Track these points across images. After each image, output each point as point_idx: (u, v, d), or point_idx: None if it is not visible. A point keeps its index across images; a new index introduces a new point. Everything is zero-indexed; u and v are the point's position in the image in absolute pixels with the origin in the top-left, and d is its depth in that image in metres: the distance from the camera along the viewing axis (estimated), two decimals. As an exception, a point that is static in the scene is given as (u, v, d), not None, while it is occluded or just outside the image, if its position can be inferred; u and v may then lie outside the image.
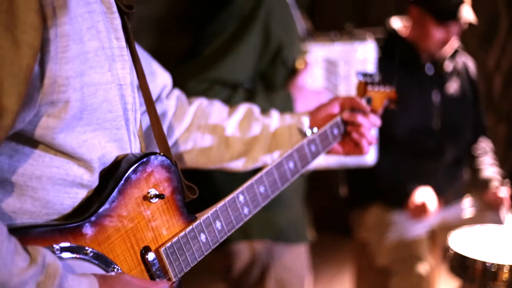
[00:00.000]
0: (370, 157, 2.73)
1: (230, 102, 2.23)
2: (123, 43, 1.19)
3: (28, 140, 1.07)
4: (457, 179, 3.12)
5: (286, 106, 2.36)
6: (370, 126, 1.68)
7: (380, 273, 3.01)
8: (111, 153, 1.17)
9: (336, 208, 3.65)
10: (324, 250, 4.31)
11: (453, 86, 3.09)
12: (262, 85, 2.38)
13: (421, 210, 2.86)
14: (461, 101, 3.11)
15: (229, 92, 2.25)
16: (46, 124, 1.05)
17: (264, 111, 2.30)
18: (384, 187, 3.00)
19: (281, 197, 2.40)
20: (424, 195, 2.90)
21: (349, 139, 1.68)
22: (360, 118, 1.65)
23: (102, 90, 1.10)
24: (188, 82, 2.21)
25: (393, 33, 3.06)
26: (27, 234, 1.03)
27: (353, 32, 2.69)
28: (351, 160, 2.71)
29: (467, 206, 3.12)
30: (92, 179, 1.14)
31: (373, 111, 1.78)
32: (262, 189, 1.41)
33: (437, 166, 3.05)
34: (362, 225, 3.08)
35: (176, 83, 2.27)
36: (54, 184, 1.09)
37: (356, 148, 1.68)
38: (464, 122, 3.13)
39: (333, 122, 1.62)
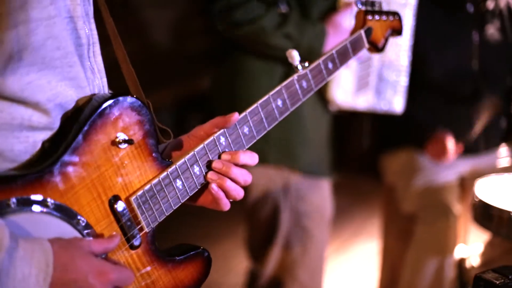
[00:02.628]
0: (398, 105, 2.64)
1: (262, 21, 2.20)
2: None
3: None
4: (493, 127, 2.96)
5: (317, 40, 2.28)
6: (242, 180, 1.26)
7: (407, 219, 2.95)
8: (66, 93, 1.08)
9: (370, 150, 3.58)
10: (358, 194, 4.25)
11: (494, 26, 2.92)
12: (297, 11, 2.30)
13: (441, 153, 2.75)
14: (502, 42, 2.93)
15: (262, 11, 2.20)
16: None
17: (292, 38, 2.25)
18: (413, 131, 2.88)
19: (301, 128, 2.36)
20: (444, 138, 2.78)
21: (207, 190, 1.27)
22: (234, 171, 1.25)
23: (44, 26, 1.01)
24: None
25: None
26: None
27: None
28: (379, 107, 2.63)
29: (502, 155, 2.98)
30: (43, 120, 1.05)
31: (374, 42, 1.66)
32: (246, 129, 1.29)
33: (472, 111, 2.90)
34: (389, 170, 2.99)
35: None
36: (0, 130, 1.02)
37: (214, 203, 1.28)
38: (505, 66, 2.95)
39: (327, 55, 1.47)
